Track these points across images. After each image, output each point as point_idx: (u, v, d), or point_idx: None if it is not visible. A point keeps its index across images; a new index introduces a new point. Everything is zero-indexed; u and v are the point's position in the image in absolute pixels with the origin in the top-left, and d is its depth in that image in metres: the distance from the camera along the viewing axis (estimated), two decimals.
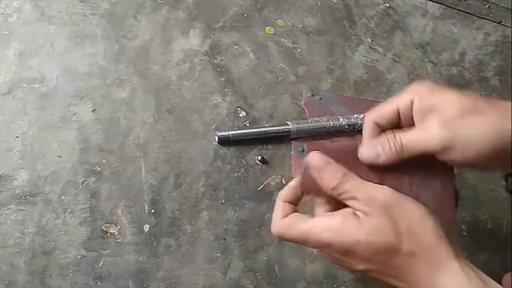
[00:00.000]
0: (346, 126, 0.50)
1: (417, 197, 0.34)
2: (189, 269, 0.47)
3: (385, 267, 0.32)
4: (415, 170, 0.36)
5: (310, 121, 0.50)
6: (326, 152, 0.36)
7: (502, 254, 0.55)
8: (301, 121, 0.54)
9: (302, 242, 0.35)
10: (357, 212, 0.33)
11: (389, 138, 0.36)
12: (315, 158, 0.35)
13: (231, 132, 0.52)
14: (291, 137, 0.54)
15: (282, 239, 0.37)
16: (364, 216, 0.32)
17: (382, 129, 0.38)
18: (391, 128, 0.37)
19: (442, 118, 0.34)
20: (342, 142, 0.36)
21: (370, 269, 0.33)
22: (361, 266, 0.33)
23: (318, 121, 0.49)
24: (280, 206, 0.37)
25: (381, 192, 0.33)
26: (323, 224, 0.33)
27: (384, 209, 0.32)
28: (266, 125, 0.55)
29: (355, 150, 0.37)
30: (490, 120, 0.32)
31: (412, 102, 0.36)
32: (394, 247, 0.31)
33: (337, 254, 0.33)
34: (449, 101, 0.34)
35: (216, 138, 0.52)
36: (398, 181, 0.36)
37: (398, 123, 0.38)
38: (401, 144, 0.35)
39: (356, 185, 0.33)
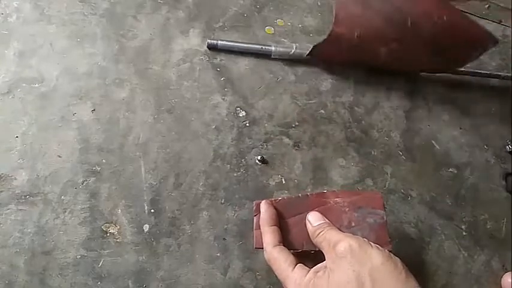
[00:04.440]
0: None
1: (356, 234, 0.39)
2: (188, 269, 0.47)
3: None
4: (351, 211, 0.40)
5: (291, 47, 0.60)
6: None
7: (502, 254, 0.55)
8: (283, 45, 0.61)
9: None
10: (327, 266, 0.36)
11: None
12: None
13: (219, 42, 0.59)
14: (272, 57, 0.59)
15: None
16: (331, 273, 0.35)
17: None
18: None
19: None
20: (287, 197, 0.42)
21: None
22: None
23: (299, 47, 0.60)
24: (269, 232, 0.39)
25: (343, 245, 0.35)
26: (297, 279, 0.36)
27: (348, 261, 0.34)
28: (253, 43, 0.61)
29: (298, 201, 0.41)
30: None
31: None
32: None
33: None
34: None
35: (206, 43, 0.59)
36: (339, 222, 0.40)
37: None
38: None
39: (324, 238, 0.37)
